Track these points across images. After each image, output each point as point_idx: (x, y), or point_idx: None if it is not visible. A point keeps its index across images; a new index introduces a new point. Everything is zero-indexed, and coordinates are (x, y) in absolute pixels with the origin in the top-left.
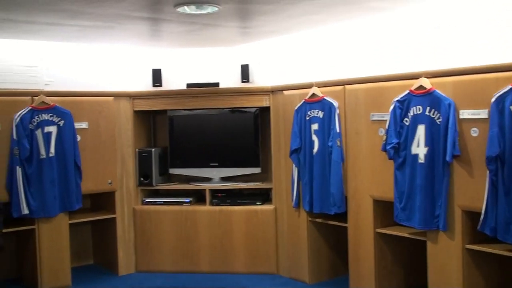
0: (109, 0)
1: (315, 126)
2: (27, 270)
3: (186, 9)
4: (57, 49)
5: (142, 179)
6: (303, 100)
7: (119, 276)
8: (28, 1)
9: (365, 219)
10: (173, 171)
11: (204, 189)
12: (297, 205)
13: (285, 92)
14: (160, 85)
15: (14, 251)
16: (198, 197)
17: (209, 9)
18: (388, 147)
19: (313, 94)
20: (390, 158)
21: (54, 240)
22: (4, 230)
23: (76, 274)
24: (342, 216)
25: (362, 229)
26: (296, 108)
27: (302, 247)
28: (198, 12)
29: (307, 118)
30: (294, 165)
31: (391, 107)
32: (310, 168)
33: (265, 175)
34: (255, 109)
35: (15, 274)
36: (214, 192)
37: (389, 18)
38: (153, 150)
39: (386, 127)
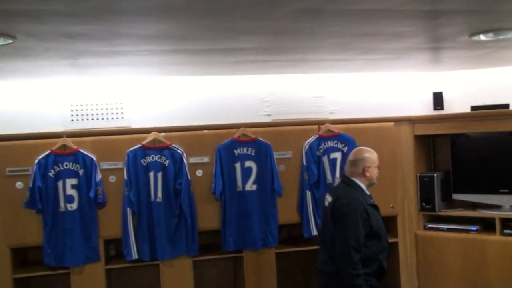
0: (406, 36)
1: None
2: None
3: (482, 37)
4: (341, 80)
5: (423, 204)
6: None
7: None
8: (325, 45)
9: None
10: (457, 196)
11: (494, 217)
12: None
13: None
14: (442, 108)
15: (303, 267)
16: (485, 225)
17: (509, 34)
18: None
19: None
20: None
21: None
22: (300, 249)
23: None
24: None
25: None
26: None
27: None
28: (495, 38)
29: None
30: None
31: None
32: None
33: None
34: None
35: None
36: (505, 221)
37: None
38: (435, 174)
39: None
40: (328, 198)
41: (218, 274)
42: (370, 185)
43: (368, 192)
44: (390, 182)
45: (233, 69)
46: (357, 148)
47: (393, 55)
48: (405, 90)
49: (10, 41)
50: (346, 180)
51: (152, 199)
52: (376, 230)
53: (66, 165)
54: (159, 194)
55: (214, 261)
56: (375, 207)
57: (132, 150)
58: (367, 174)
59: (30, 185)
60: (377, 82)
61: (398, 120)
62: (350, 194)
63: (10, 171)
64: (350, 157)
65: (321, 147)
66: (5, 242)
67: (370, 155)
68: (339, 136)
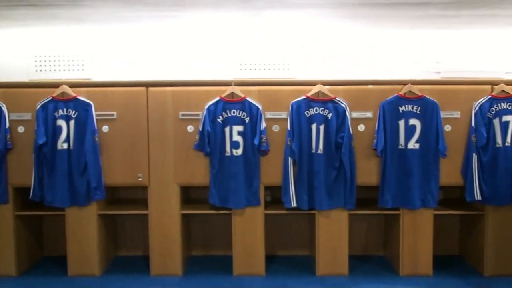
0: None
1: None
2: (471, 250)
3: None
4: None
5: None
6: None
7: None
8: None
9: None
10: None
11: None
12: None
13: None
14: None
15: (458, 230)
16: None
17: None
18: None
19: None
20: None
21: (503, 229)
22: (460, 212)
23: None
24: None
25: None
26: None
27: None
28: None
29: None
30: None
31: None
32: None
33: None
34: None
35: (457, 252)
36: None
37: None
38: None
39: None
40: None
41: (367, 228)
42: None
43: None
44: None
45: (409, 24)
46: None
47: None
48: None
49: None
50: None
51: (313, 151)
52: None
53: (234, 112)
54: (320, 146)
55: (366, 216)
56: None
57: (296, 101)
58: None
59: (200, 129)
60: None
61: None
62: None
63: (182, 115)
64: None
65: (493, 108)
66: (175, 180)
67: None
68: None
